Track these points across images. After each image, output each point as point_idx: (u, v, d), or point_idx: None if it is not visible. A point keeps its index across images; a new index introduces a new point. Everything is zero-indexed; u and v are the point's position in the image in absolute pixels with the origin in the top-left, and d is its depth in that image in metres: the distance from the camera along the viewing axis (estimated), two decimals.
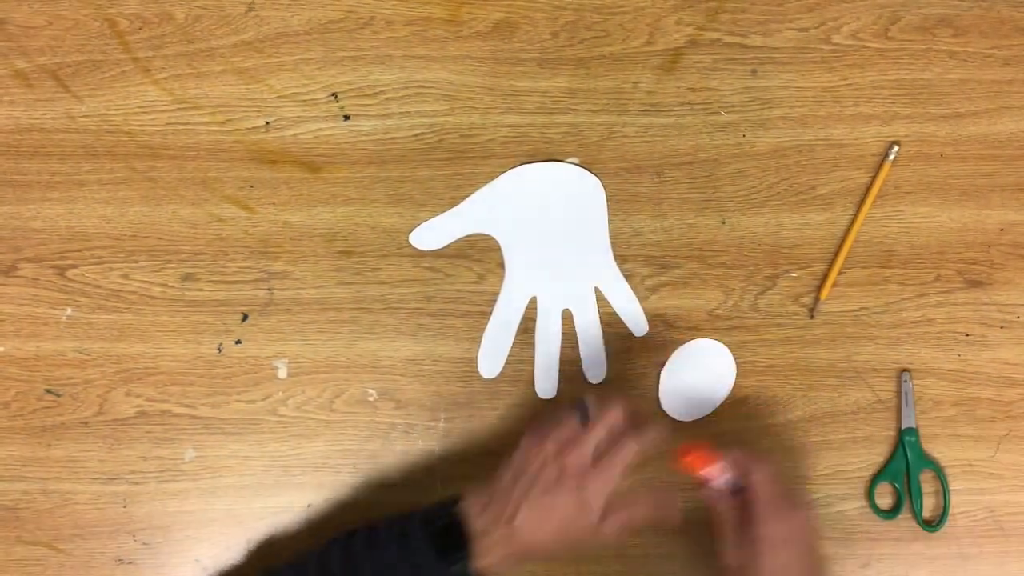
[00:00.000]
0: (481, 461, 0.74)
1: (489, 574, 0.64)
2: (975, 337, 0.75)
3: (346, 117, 0.75)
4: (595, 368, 0.75)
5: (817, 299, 0.75)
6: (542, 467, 0.65)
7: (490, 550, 0.64)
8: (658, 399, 0.74)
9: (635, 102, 0.76)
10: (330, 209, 0.75)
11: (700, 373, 0.74)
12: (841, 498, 0.74)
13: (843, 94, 0.76)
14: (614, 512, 0.65)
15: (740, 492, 0.65)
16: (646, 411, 0.74)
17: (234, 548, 0.73)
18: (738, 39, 0.76)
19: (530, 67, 0.76)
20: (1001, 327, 0.75)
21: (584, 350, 0.75)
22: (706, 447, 0.66)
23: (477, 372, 0.75)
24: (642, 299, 0.75)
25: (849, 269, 0.75)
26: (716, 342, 0.74)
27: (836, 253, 0.75)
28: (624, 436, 0.65)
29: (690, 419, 0.74)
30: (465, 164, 0.75)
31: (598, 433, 0.65)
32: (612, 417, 0.66)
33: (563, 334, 0.75)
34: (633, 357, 0.75)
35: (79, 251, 0.75)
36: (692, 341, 0.74)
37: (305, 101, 0.75)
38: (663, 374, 0.74)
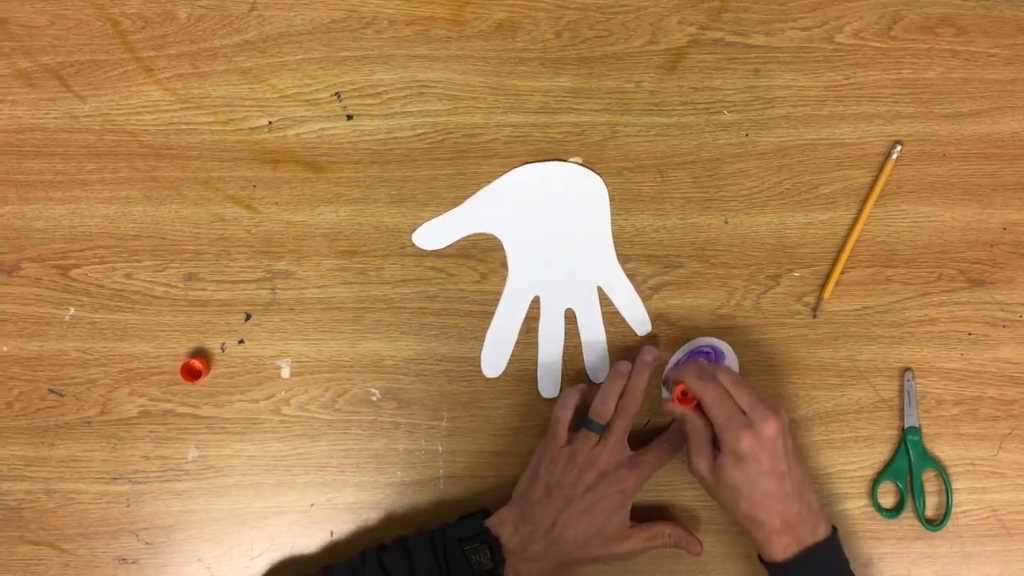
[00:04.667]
0: (484, 460, 0.74)
1: None
2: (978, 336, 0.75)
3: (349, 117, 0.75)
4: (598, 368, 0.75)
5: (820, 298, 0.75)
6: (580, 473, 0.67)
7: (527, 564, 0.66)
8: (661, 398, 0.74)
9: (638, 101, 0.76)
10: (333, 209, 0.75)
11: None
12: (844, 497, 0.74)
13: (846, 93, 0.76)
14: (644, 528, 0.69)
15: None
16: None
17: (237, 547, 0.73)
18: (740, 38, 0.76)
19: (533, 67, 0.76)
20: (1004, 326, 0.75)
21: (587, 350, 0.75)
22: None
23: (480, 371, 0.75)
24: (645, 299, 0.75)
25: (852, 268, 0.75)
26: (719, 341, 0.74)
27: (839, 252, 0.75)
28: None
29: None
30: (468, 164, 0.75)
31: (619, 436, 0.69)
32: (622, 423, 0.70)
33: (566, 334, 0.75)
34: (636, 356, 0.74)
35: (82, 251, 0.75)
36: (695, 340, 0.74)
37: (308, 101, 0.75)
38: (666, 373, 0.74)
